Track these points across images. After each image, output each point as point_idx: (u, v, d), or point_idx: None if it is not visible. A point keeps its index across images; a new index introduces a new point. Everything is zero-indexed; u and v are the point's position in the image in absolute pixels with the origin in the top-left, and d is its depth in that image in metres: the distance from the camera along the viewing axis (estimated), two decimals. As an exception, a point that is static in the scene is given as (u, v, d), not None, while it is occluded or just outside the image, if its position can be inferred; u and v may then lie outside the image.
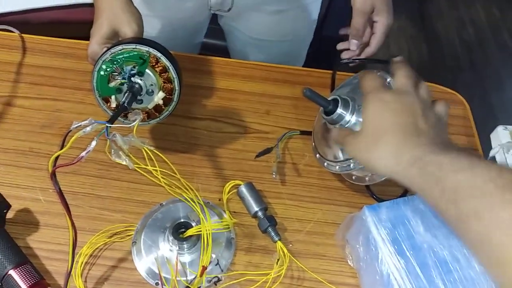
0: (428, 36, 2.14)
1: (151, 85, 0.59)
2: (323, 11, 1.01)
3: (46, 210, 0.61)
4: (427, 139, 0.46)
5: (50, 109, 0.71)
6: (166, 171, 0.61)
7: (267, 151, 0.68)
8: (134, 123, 0.49)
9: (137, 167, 0.59)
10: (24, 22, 0.92)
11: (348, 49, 0.74)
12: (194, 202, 0.57)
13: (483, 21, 2.21)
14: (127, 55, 0.57)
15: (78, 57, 0.77)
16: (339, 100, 0.57)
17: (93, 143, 0.47)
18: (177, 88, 0.59)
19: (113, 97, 0.59)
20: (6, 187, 0.61)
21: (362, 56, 0.76)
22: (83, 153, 0.47)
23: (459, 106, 0.80)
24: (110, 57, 0.57)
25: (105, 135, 0.47)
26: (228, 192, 0.64)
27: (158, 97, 0.59)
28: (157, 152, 0.53)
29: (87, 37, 0.78)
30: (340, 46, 0.75)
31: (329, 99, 0.57)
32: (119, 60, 0.57)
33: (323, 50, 1.04)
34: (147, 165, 0.55)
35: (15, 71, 0.74)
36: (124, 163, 0.48)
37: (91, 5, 0.64)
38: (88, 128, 0.47)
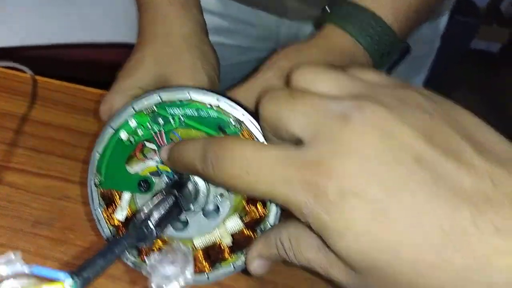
0: (499, 113, 1.78)
1: (220, 196, 0.30)
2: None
3: None
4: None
5: (52, 195, 0.45)
6: None
7: None
8: None
9: None
10: (43, 59, 0.71)
11: None
12: None
13: None
14: (192, 113, 0.29)
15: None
16: None
17: None
18: (271, 222, 0.30)
19: (125, 198, 0.31)
20: None
21: None
22: None
23: None
24: (154, 106, 0.30)
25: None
26: None
27: (226, 229, 0.30)
28: None
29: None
30: None
31: None
32: (170, 119, 0.29)
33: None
34: None
35: (15, 129, 0.49)
36: None
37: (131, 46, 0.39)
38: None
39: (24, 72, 0.53)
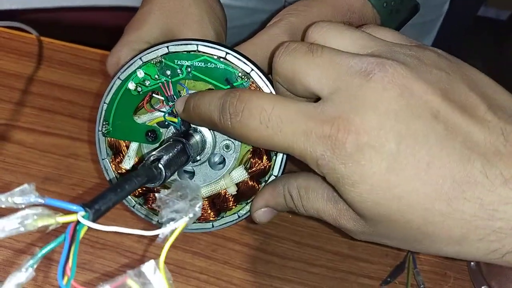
0: (506, 84, 1.76)
1: (225, 147, 0.30)
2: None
3: None
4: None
5: (60, 153, 0.45)
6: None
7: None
8: (168, 228, 0.19)
9: None
10: (46, 22, 0.71)
11: None
12: None
13: None
14: (200, 65, 0.29)
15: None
16: None
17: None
18: (275, 173, 0.30)
19: (132, 147, 0.31)
20: None
21: None
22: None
23: None
24: (162, 57, 0.30)
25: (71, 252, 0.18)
26: None
27: (231, 179, 0.31)
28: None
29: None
30: None
31: None
32: (177, 70, 0.29)
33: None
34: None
35: (22, 88, 0.50)
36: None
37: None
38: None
39: (29, 33, 0.53)
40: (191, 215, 0.18)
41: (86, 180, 0.44)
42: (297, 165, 0.27)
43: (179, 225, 0.18)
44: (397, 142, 0.20)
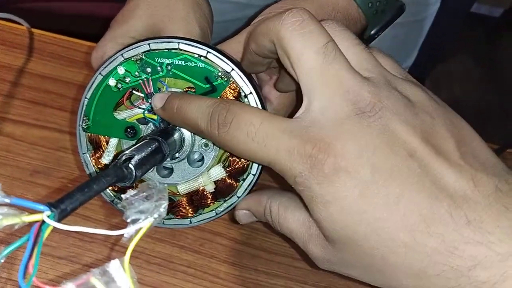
0: (498, 82, 1.75)
1: (204, 146, 0.31)
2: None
3: None
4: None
5: (49, 146, 0.46)
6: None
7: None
8: (133, 228, 0.19)
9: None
10: (38, 12, 0.70)
11: None
12: None
13: None
14: (180, 63, 0.29)
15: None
16: None
17: None
18: (255, 172, 0.30)
19: (112, 143, 0.31)
20: None
21: None
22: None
23: None
24: (143, 54, 0.29)
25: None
26: None
27: (209, 176, 0.31)
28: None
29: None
30: None
31: None
32: (157, 67, 0.29)
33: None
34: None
35: (12, 80, 0.50)
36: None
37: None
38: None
39: (20, 24, 0.53)
40: (156, 215, 0.19)
41: (75, 173, 0.44)
42: (280, 182, 0.27)
43: (144, 225, 0.19)
44: (371, 172, 0.22)
